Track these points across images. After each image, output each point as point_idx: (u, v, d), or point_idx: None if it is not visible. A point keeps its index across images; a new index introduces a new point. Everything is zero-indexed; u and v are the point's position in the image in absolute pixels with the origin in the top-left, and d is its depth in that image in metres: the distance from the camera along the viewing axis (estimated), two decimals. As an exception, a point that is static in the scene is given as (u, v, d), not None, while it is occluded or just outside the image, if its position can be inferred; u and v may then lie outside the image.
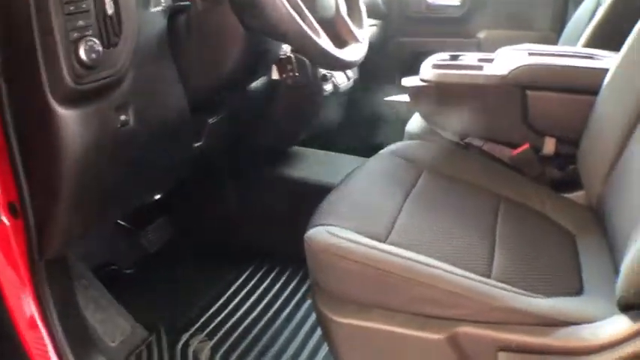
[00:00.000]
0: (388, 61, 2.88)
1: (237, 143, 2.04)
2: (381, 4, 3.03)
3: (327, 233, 1.31)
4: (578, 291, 1.31)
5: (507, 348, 1.19)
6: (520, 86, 1.81)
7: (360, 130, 2.77)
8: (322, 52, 1.36)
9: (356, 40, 1.59)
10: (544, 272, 1.36)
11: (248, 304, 2.04)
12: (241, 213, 2.27)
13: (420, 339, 1.24)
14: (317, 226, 1.35)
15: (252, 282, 2.16)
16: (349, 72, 2.31)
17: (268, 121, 2.06)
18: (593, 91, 1.70)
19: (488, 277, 1.28)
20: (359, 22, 1.70)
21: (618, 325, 1.14)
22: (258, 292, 2.11)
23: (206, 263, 2.23)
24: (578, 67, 1.82)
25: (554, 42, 2.75)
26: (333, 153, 2.49)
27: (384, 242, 1.33)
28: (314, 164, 2.35)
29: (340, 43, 1.56)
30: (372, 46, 2.75)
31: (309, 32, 1.31)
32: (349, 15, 1.69)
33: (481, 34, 3.05)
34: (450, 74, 1.89)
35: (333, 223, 1.35)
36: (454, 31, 3.07)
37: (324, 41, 1.38)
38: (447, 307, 1.23)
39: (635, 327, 1.11)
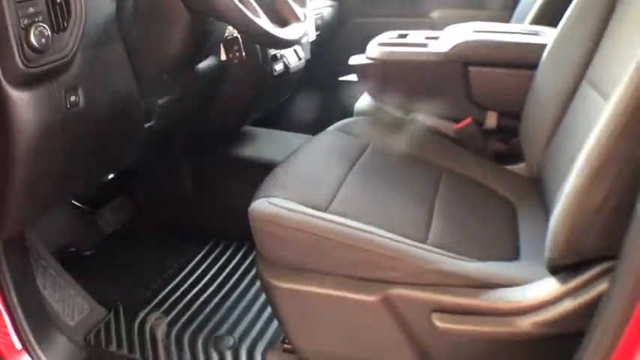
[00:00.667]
0: (344, 41, 2.87)
1: (189, 123, 2.06)
2: None
3: (268, 204, 1.36)
4: (514, 256, 1.38)
5: (440, 309, 1.25)
6: (462, 62, 1.86)
7: (313, 109, 2.80)
8: (260, 32, 1.39)
9: (297, 18, 1.62)
10: (480, 238, 1.42)
11: (204, 280, 2.07)
12: (196, 192, 2.30)
13: (355, 301, 1.29)
14: (260, 198, 1.40)
15: (209, 259, 2.19)
16: (300, 52, 2.34)
17: (219, 101, 2.08)
18: (533, 65, 1.75)
19: (424, 242, 1.33)
20: (301, 1, 1.73)
21: (546, 287, 1.21)
22: (214, 268, 2.14)
23: (163, 242, 2.26)
24: (516, 42, 1.87)
25: (507, 20, 2.78)
26: (285, 132, 2.53)
27: (324, 211, 1.37)
28: (266, 143, 2.39)
29: (282, 22, 1.59)
30: (328, 27, 2.80)
31: (248, 13, 1.34)
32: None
33: (434, 14, 3.07)
34: (394, 52, 1.94)
35: (275, 195, 1.40)
36: (408, 10, 3.08)
37: (263, 21, 1.41)
38: (380, 269, 1.28)
39: (562, 288, 1.18)
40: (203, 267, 2.15)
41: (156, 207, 2.38)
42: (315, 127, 2.04)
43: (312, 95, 2.88)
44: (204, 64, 1.82)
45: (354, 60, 2.01)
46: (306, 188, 1.46)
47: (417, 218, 1.43)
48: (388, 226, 1.34)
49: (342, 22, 3.07)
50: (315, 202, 1.40)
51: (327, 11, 2.84)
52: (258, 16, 1.40)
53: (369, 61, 1.97)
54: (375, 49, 1.96)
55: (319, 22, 2.68)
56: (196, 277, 2.09)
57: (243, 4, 1.36)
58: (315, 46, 2.56)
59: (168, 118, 1.73)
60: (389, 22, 2.96)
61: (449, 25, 2.14)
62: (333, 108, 2.71)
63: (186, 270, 2.12)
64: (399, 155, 1.74)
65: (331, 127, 1.87)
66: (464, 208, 1.55)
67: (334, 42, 2.90)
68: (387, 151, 1.75)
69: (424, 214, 1.45)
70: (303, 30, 1.61)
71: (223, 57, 1.85)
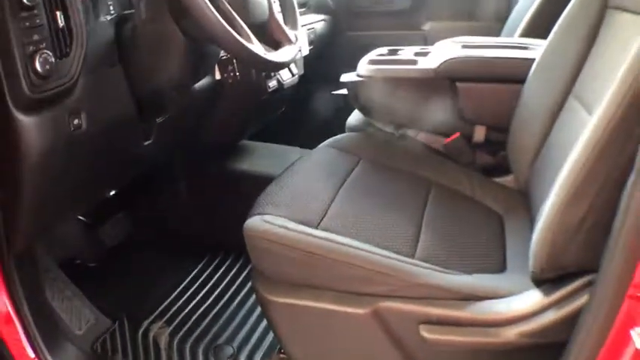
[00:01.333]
0: (337, 55, 2.90)
1: (187, 140, 2.11)
2: (329, 0, 3.08)
3: (262, 221, 1.41)
4: (500, 268, 1.42)
5: (428, 321, 1.29)
6: (449, 79, 1.90)
7: (307, 124, 2.84)
8: (253, 56, 1.44)
9: (289, 41, 1.67)
10: (468, 251, 1.46)
11: (203, 291, 2.14)
12: (194, 206, 2.35)
13: (347, 314, 1.34)
14: (255, 215, 1.45)
15: (208, 271, 2.25)
16: (294, 68, 2.39)
17: (215, 118, 2.13)
18: (520, 80, 1.79)
19: (412, 256, 1.39)
20: (293, 24, 1.78)
21: (530, 299, 1.26)
22: (213, 280, 2.20)
23: (163, 254, 2.31)
24: (503, 58, 1.91)
25: (498, 32, 2.80)
26: (281, 145, 2.56)
27: (315, 227, 1.43)
28: (262, 157, 2.43)
29: (275, 44, 1.65)
30: (321, 41, 2.84)
31: (240, 39, 1.40)
32: (284, 17, 1.79)
33: (426, 26, 3.12)
34: (383, 69, 1.98)
35: (268, 212, 1.45)
36: (401, 24, 3.12)
37: (256, 46, 1.47)
38: (369, 284, 1.33)
39: (546, 300, 1.23)
40: (202, 278, 2.21)
41: (156, 221, 2.43)
42: (310, 140, 2.08)
43: (307, 109, 2.92)
44: (200, 84, 1.86)
45: (345, 78, 2.05)
46: (298, 205, 1.51)
47: (406, 233, 1.47)
48: (377, 242, 1.39)
49: (336, 35, 3.10)
50: (307, 218, 1.45)
51: (320, 25, 2.89)
52: (251, 42, 1.45)
53: (359, 79, 2.00)
54: (364, 66, 2.00)
55: (312, 36, 2.73)
56: (196, 288, 2.15)
57: (236, 30, 1.40)
58: (309, 60, 2.60)
59: (166, 135, 1.78)
60: (381, 35, 3.02)
61: (441, 37, 2.18)
62: (326, 121, 2.76)
63: (187, 281, 2.19)
64: (389, 170, 1.79)
65: (323, 144, 1.92)
66: (452, 222, 1.59)
67: (328, 56, 2.94)
68: (377, 167, 1.80)
69: (413, 229, 1.50)
70: (295, 52, 1.66)
71: (218, 76, 1.90)
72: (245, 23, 1.48)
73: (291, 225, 1.41)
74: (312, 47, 2.67)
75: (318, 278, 1.37)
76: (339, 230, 1.42)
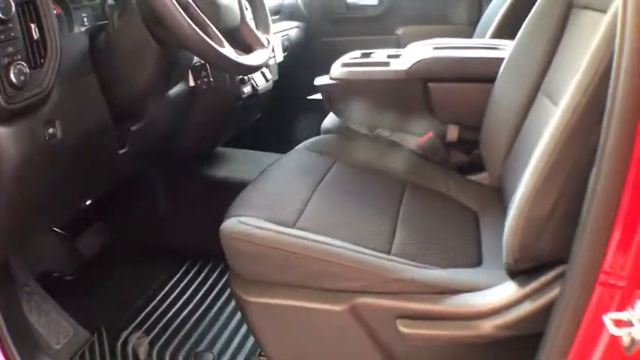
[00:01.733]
0: (312, 61, 2.90)
1: (162, 147, 2.11)
2: (302, 7, 3.09)
3: (238, 222, 1.42)
4: (476, 263, 1.44)
5: (405, 315, 1.31)
6: (421, 79, 1.92)
7: (282, 128, 2.85)
8: (223, 59, 1.45)
9: (261, 45, 1.69)
10: (443, 247, 1.48)
11: (183, 299, 2.13)
12: (171, 214, 2.35)
13: (323, 311, 1.35)
14: (231, 217, 1.45)
15: (186, 279, 2.25)
16: (268, 74, 2.39)
17: (190, 125, 2.14)
18: (491, 79, 1.81)
19: (388, 252, 1.40)
20: (265, 28, 1.79)
21: (505, 291, 1.27)
22: (192, 287, 2.20)
23: (141, 264, 2.31)
24: (473, 57, 1.94)
25: (470, 35, 2.84)
26: (255, 151, 2.58)
27: (292, 227, 1.43)
28: (238, 163, 2.44)
29: (247, 48, 1.66)
30: (295, 47, 2.85)
31: (212, 43, 1.42)
32: (256, 22, 1.80)
33: (399, 31, 3.14)
34: (356, 71, 2.00)
35: (244, 214, 1.46)
36: (374, 29, 3.15)
37: (228, 50, 1.48)
38: (346, 280, 1.34)
39: (520, 292, 1.24)
40: (181, 286, 2.21)
41: (133, 230, 2.42)
42: (286, 145, 2.08)
43: (283, 114, 2.92)
44: (173, 91, 1.88)
45: (319, 81, 2.06)
46: (274, 206, 1.52)
47: (381, 230, 1.49)
48: (353, 239, 1.40)
49: (310, 42, 3.12)
50: (283, 219, 1.46)
51: (294, 32, 2.90)
52: (223, 46, 1.46)
53: (333, 82, 2.02)
54: (337, 69, 2.02)
55: (287, 43, 2.74)
56: (175, 296, 2.15)
57: (208, 35, 1.42)
58: (283, 66, 2.61)
59: (141, 143, 1.78)
60: (355, 40, 3.04)
61: (414, 41, 2.19)
62: (302, 126, 2.77)
63: (165, 290, 2.18)
64: (364, 171, 1.80)
65: (299, 146, 1.93)
66: (427, 218, 1.60)
67: (303, 61, 2.95)
68: (352, 167, 1.81)
69: (388, 226, 1.51)
70: (267, 55, 1.67)
71: (192, 83, 1.91)
72: (217, 29, 1.50)
73: (267, 225, 1.41)
74: (286, 54, 2.68)
75: (295, 276, 1.38)
76: (315, 229, 1.43)
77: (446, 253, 1.45)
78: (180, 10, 1.36)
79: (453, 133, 1.96)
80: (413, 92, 1.94)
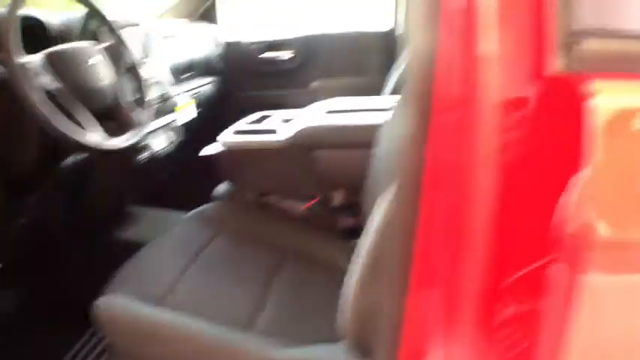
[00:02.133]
0: (225, 117, 2.84)
1: (65, 214, 2.13)
2: (216, 62, 3.12)
3: (108, 301, 1.47)
4: (338, 336, 1.41)
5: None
6: (305, 147, 1.97)
7: (193, 186, 2.86)
8: (83, 147, 1.52)
9: (132, 125, 1.74)
10: (312, 320, 1.49)
11: None
12: (82, 277, 2.33)
13: None
14: (104, 294, 1.50)
15: (92, 341, 2.24)
16: (171, 136, 2.44)
17: (91, 190, 2.16)
18: (371, 144, 1.82)
19: (251, 328, 1.43)
20: (143, 104, 1.85)
21: None
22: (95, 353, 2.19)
23: (58, 327, 2.27)
24: (354, 125, 1.97)
25: (382, 85, 2.83)
26: (165, 211, 2.60)
27: (159, 304, 1.48)
28: (145, 223, 2.47)
29: (121, 127, 1.71)
30: (208, 103, 2.88)
31: (73, 127, 1.48)
32: (136, 97, 1.86)
33: (314, 84, 3.20)
34: (241, 141, 2.04)
35: (116, 290, 1.51)
36: (290, 82, 3.19)
37: (90, 134, 1.56)
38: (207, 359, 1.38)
39: None
40: (98, 349, 2.20)
41: (45, 293, 2.40)
42: (192, 203, 2.12)
43: (193, 171, 2.94)
44: (68, 160, 1.90)
45: (207, 150, 2.10)
46: (146, 283, 1.55)
47: (247, 305, 1.52)
48: (214, 316, 1.44)
49: (224, 97, 3.14)
50: (153, 294, 1.50)
51: (207, 88, 2.94)
52: (89, 129, 1.52)
53: (222, 149, 2.06)
54: (225, 137, 2.06)
55: (199, 99, 2.78)
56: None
57: (73, 120, 1.48)
58: (195, 123, 2.65)
59: (40, 212, 1.81)
60: (269, 95, 3.09)
61: (328, 94, 2.25)
62: (212, 182, 2.79)
63: (83, 353, 2.18)
64: (246, 241, 1.84)
65: (190, 214, 1.97)
66: (299, 288, 1.63)
67: (216, 117, 2.93)
68: (235, 238, 1.84)
69: (256, 300, 1.55)
70: (137, 136, 1.72)
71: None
72: (91, 109, 1.55)
73: (132, 304, 1.45)
74: (200, 110, 2.72)
75: (164, 355, 1.41)
76: (181, 306, 1.47)
77: (312, 326, 1.46)
78: (41, 100, 1.42)
79: (339, 197, 2.00)
80: (297, 159, 1.98)
